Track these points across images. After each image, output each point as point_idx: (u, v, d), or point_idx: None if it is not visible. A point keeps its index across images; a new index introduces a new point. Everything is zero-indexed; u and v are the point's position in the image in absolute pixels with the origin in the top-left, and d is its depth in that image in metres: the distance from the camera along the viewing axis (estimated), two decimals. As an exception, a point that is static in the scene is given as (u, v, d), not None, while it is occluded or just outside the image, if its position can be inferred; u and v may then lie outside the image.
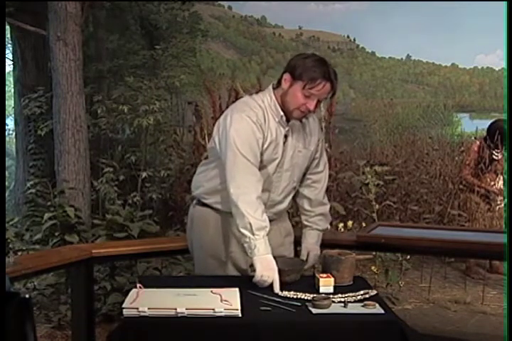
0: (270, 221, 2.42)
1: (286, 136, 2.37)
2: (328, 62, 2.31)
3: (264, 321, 1.93)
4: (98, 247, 2.81)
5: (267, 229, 2.20)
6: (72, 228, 3.95)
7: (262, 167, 2.33)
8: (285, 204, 2.49)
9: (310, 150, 2.45)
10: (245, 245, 2.20)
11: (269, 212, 2.39)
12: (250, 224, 2.16)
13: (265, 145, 2.31)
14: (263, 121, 2.31)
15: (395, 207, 5.04)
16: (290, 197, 2.51)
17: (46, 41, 4.79)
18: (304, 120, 2.42)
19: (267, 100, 2.35)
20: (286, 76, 2.30)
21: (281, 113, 2.33)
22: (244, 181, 2.23)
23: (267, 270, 2.15)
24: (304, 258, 2.55)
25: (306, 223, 2.59)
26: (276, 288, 2.13)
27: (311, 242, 2.57)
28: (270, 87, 2.38)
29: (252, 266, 2.39)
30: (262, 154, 2.31)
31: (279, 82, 2.34)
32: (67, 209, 3.96)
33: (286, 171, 2.40)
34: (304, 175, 2.53)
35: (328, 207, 2.62)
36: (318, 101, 2.30)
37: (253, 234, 2.16)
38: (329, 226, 2.78)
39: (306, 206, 2.58)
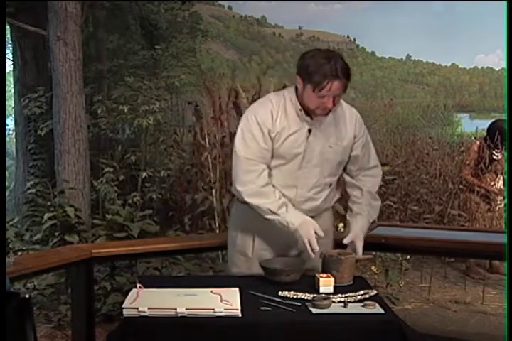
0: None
1: (310, 131, 2.33)
2: (336, 56, 2.24)
3: (264, 321, 1.93)
4: (98, 247, 2.81)
5: (287, 203, 2.29)
6: (72, 228, 3.96)
7: (284, 162, 2.34)
8: (319, 201, 2.43)
9: (342, 145, 2.39)
10: (280, 227, 2.29)
11: (300, 209, 2.37)
12: (269, 209, 2.27)
13: (281, 139, 2.30)
14: (275, 115, 2.30)
15: (395, 207, 5.03)
16: (325, 194, 2.44)
17: (46, 41, 4.79)
18: (335, 114, 2.36)
19: (288, 94, 2.34)
20: (298, 78, 2.29)
21: (299, 106, 2.31)
22: (245, 178, 2.31)
23: (307, 235, 2.24)
24: (347, 242, 2.44)
25: (356, 209, 2.52)
26: (314, 244, 2.23)
27: (357, 227, 2.46)
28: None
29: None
30: (277, 148, 2.31)
31: None
32: (67, 209, 3.96)
33: (315, 167, 2.36)
34: (345, 169, 2.49)
35: (379, 203, 2.57)
36: (335, 97, 2.25)
37: (277, 215, 2.28)
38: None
39: (357, 194, 2.53)
